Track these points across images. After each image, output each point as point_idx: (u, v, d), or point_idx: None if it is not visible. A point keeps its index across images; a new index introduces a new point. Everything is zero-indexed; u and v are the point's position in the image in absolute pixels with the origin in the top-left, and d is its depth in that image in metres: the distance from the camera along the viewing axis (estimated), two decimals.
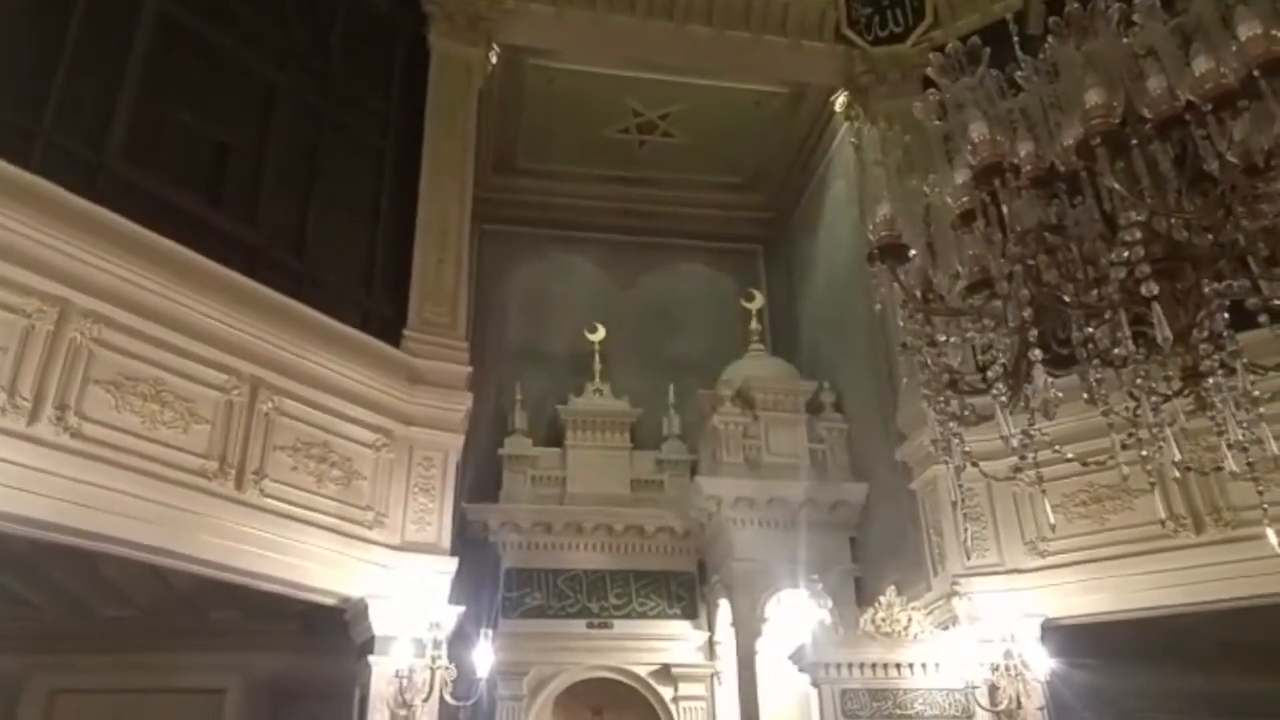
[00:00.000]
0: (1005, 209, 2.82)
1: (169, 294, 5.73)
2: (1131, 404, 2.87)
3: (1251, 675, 7.33)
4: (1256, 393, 2.82)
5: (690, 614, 8.84)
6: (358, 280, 7.52)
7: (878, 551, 8.32)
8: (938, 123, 3.13)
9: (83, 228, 5.35)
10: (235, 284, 6.10)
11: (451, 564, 6.71)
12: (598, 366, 9.73)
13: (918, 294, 3.08)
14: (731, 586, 8.34)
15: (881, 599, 6.98)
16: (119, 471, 5.30)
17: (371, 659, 6.24)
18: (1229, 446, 2.85)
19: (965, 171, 2.91)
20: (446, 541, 6.82)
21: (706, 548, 8.97)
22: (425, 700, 6.17)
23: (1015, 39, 3.19)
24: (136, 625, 7.59)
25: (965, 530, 6.90)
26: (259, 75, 7.29)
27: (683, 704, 8.49)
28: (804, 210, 10.71)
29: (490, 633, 6.86)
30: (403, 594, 6.34)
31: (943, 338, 3.09)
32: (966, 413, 3.14)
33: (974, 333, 3.03)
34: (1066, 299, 2.75)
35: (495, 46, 8.92)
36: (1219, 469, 3.14)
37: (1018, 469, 3.02)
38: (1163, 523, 5.92)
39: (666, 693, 8.52)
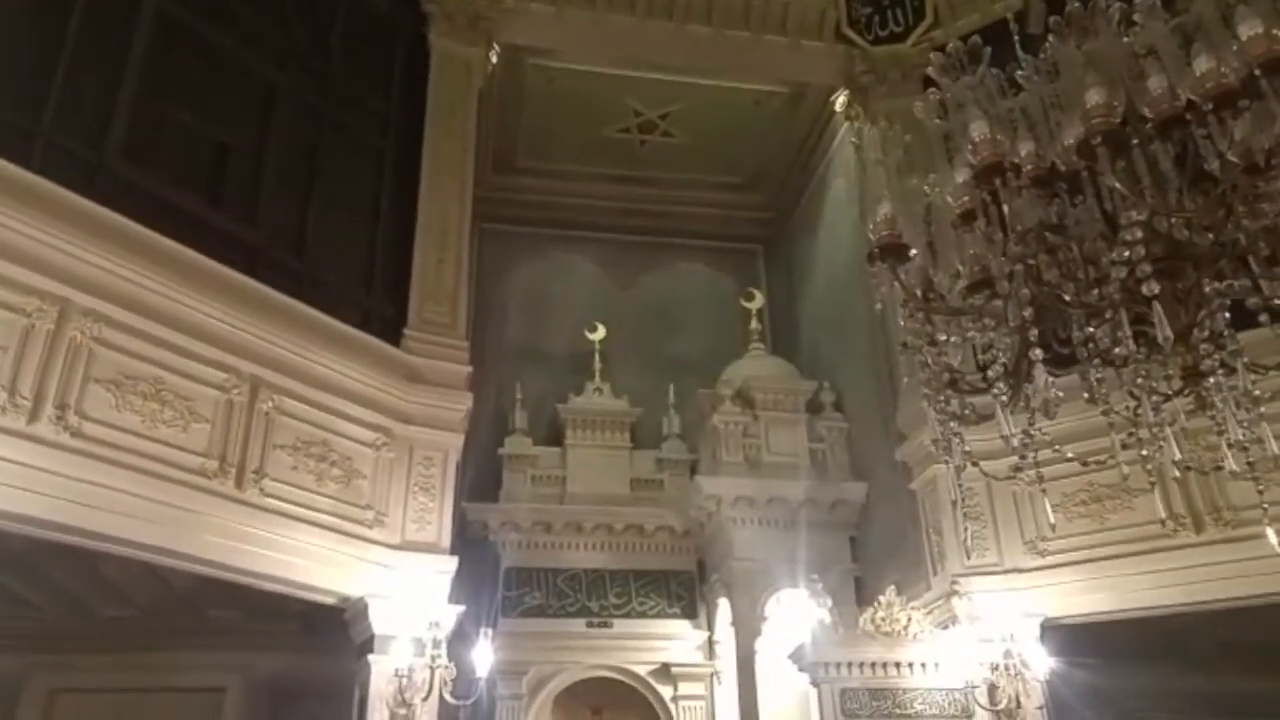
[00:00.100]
0: (1006, 208, 2.82)
1: (169, 293, 5.73)
2: (1132, 403, 2.87)
3: (1251, 675, 7.33)
4: (1257, 392, 2.81)
5: (690, 613, 8.85)
6: (358, 280, 7.52)
7: (877, 551, 8.33)
8: (938, 122, 3.13)
9: (83, 227, 5.35)
10: (236, 283, 6.10)
11: (451, 563, 6.71)
12: (598, 366, 9.73)
13: (918, 293, 3.08)
14: (731, 586, 8.35)
15: (881, 598, 6.99)
16: (119, 470, 5.30)
17: (371, 658, 6.24)
18: (1229, 446, 2.85)
19: (966, 171, 2.90)
20: (446, 541, 6.82)
21: (706, 547, 8.98)
22: (425, 699, 6.18)
23: (1016, 38, 3.18)
24: (136, 625, 7.59)
25: (965, 530, 6.90)
26: (259, 75, 7.29)
27: (682, 703, 8.49)
28: (804, 210, 10.71)
29: (490, 632, 6.87)
30: (402, 593, 6.34)
31: (943, 337, 3.09)
32: (967, 412, 3.14)
33: (974, 332, 3.02)
34: (1067, 298, 2.75)
35: (495, 46, 8.92)
36: (1219, 468, 3.14)
37: (1018, 468, 3.02)
38: (1163, 522, 5.92)
39: (666, 692, 8.52)
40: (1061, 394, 2.90)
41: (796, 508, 8.48)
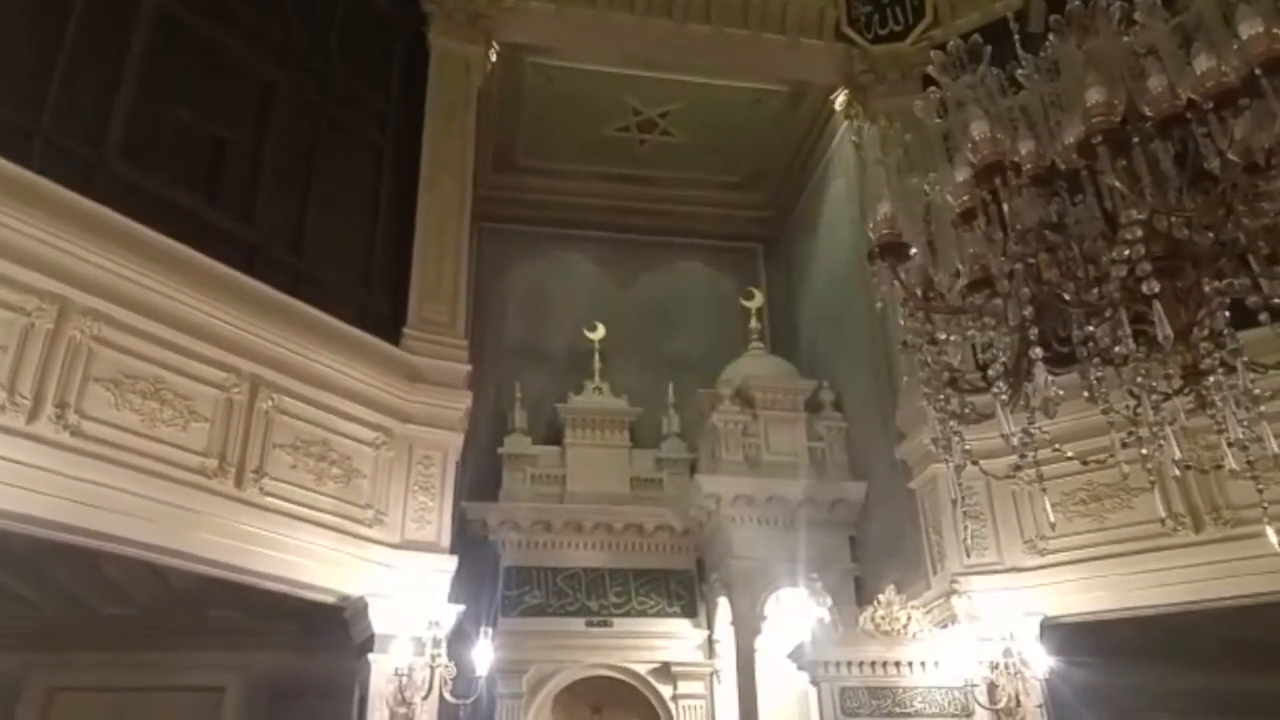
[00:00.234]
0: (1006, 207, 2.82)
1: (168, 292, 5.73)
2: (1132, 402, 2.87)
3: (1250, 673, 7.35)
4: (1257, 391, 2.82)
5: (689, 612, 8.85)
6: (357, 278, 7.52)
7: (877, 550, 8.33)
8: (938, 121, 3.13)
9: (82, 226, 5.35)
10: (235, 282, 6.10)
11: (451, 562, 6.71)
12: (597, 365, 9.73)
13: (918, 292, 3.08)
14: (731, 585, 8.35)
15: (881, 597, 6.99)
16: (119, 469, 5.29)
17: (371, 657, 6.24)
18: (1229, 445, 2.85)
19: (966, 170, 2.91)
20: (446, 540, 6.82)
21: (706, 546, 8.98)
22: (425, 698, 6.18)
23: (1016, 37, 3.18)
24: (136, 623, 7.58)
25: (965, 529, 6.90)
26: (258, 73, 7.29)
27: (682, 702, 8.50)
28: (804, 209, 10.71)
29: (490, 631, 6.86)
30: (402, 592, 6.34)
31: (943, 336, 3.09)
32: (967, 411, 3.14)
33: (974, 331, 3.02)
34: (1067, 297, 2.75)
35: (494, 44, 8.91)
36: (1219, 467, 3.14)
37: (1017, 467, 3.02)
38: (1162, 521, 5.91)
39: (666, 691, 8.53)
40: (1061, 393, 2.90)
41: (796, 507, 8.48)
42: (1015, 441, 2.98)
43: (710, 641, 8.71)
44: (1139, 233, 2.52)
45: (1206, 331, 2.71)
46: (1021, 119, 2.91)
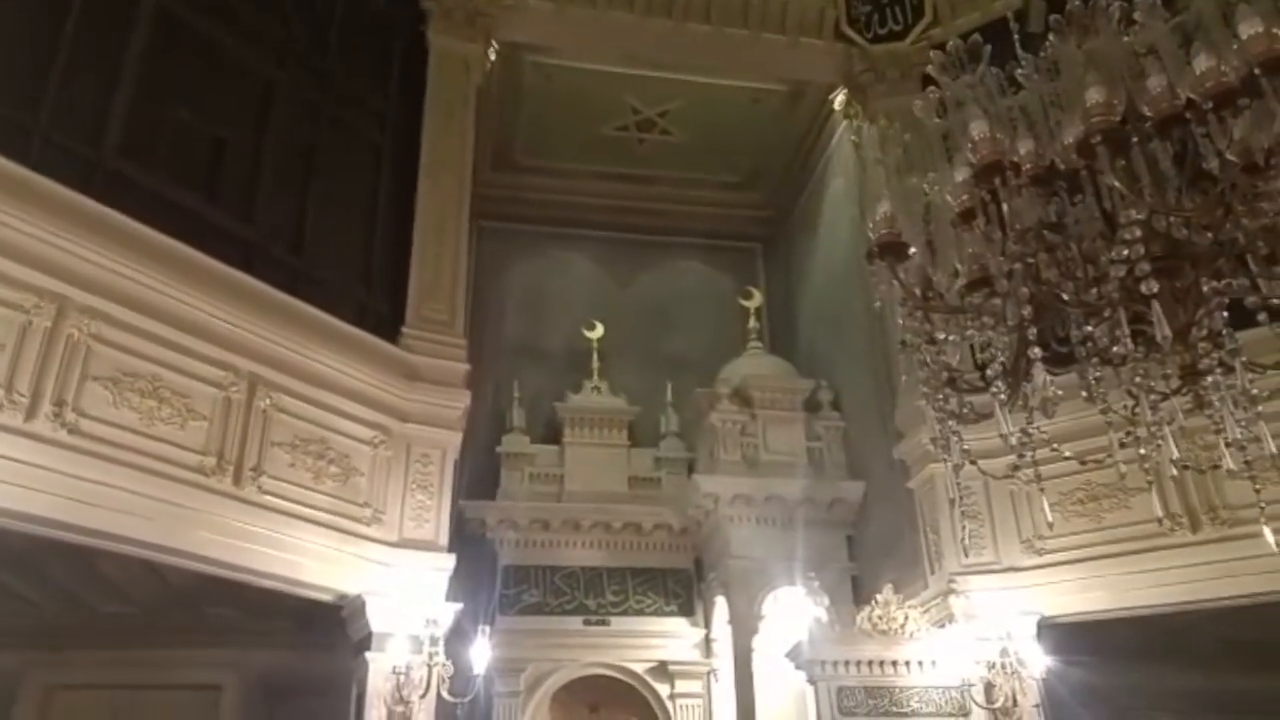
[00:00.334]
0: (1005, 207, 2.82)
1: (167, 290, 5.72)
2: (1130, 402, 2.87)
3: (1247, 673, 7.36)
4: (1255, 391, 2.82)
5: (687, 611, 8.86)
6: (356, 277, 7.51)
7: (875, 549, 8.33)
8: (938, 120, 3.13)
9: (80, 224, 5.34)
10: (233, 281, 6.09)
11: (449, 561, 6.71)
12: (596, 364, 9.73)
13: (917, 292, 3.08)
14: (729, 584, 8.35)
15: (878, 597, 7.00)
16: (117, 468, 5.29)
17: (369, 655, 6.23)
18: (1227, 445, 2.86)
19: (965, 169, 2.91)
20: (444, 538, 6.82)
21: (704, 545, 8.98)
22: (422, 697, 6.18)
23: (1016, 37, 3.18)
24: (134, 622, 7.56)
25: (962, 528, 6.91)
26: (257, 72, 7.28)
27: (679, 701, 8.51)
28: (803, 208, 10.71)
29: (487, 629, 6.86)
30: (400, 591, 6.34)
31: (942, 336, 3.09)
32: (965, 411, 3.14)
33: (973, 331, 3.03)
34: (1066, 297, 2.76)
35: (494, 43, 8.91)
36: (1216, 467, 3.14)
37: (1016, 467, 3.02)
38: (1160, 521, 5.92)
39: (663, 690, 8.53)
40: (1060, 393, 2.90)
41: (794, 506, 8.49)
42: (1013, 441, 2.98)
43: (708, 640, 8.71)
44: (1138, 233, 2.52)
45: (1205, 332, 2.71)
46: (1021, 119, 2.91)
